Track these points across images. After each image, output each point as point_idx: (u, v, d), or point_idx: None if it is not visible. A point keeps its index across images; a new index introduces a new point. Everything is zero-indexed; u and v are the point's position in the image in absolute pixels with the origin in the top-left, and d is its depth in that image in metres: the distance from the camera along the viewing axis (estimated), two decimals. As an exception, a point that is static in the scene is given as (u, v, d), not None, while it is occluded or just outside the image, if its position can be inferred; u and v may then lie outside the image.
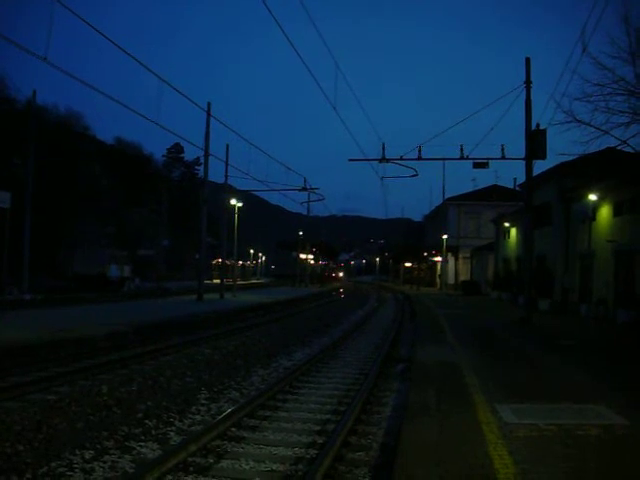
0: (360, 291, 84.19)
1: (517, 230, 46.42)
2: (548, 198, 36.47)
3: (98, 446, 8.86)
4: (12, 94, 63.18)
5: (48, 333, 18.30)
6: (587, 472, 6.77)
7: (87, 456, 8.44)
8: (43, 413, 10.23)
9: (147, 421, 10.34)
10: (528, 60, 26.50)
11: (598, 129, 20.97)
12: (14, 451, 8.34)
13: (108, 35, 19.82)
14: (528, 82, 26.28)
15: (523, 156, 26.72)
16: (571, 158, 26.12)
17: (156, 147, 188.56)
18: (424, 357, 15.63)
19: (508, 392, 10.94)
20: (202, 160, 45.98)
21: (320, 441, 9.47)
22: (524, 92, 26.40)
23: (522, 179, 30.94)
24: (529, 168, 26.75)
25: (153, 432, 9.81)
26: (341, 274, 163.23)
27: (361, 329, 27.75)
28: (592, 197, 29.50)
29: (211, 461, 8.43)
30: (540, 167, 32.16)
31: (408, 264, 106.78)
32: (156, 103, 24.90)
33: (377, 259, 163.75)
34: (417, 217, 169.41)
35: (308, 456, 8.75)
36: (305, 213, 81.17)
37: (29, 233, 42.40)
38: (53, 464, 8.04)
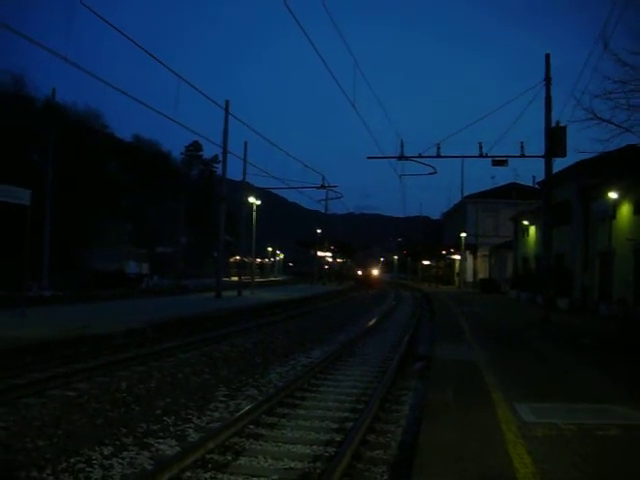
0: (380, 288, 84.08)
1: (536, 228, 46.15)
2: (568, 196, 36.22)
3: (117, 442, 8.90)
4: (31, 92, 63.74)
5: (67, 330, 18.41)
6: (607, 472, 6.73)
7: (106, 452, 8.49)
8: (62, 409, 10.29)
9: (165, 418, 10.38)
10: (548, 57, 26.33)
11: (619, 127, 20.67)
12: (34, 446, 8.40)
13: (127, 33, 19.95)
14: (548, 79, 26.10)
15: (543, 154, 26.55)
16: (591, 156, 25.88)
17: (175, 145, 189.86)
18: (442, 355, 15.59)
19: (527, 391, 10.88)
20: (220, 158, 46.17)
21: (338, 439, 9.46)
22: (544, 89, 26.24)
23: (541, 177, 30.74)
24: (548, 166, 26.56)
25: (171, 429, 9.84)
26: (375, 271, 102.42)
27: (379, 327, 27.71)
28: (612, 195, 29.27)
29: (229, 458, 8.43)
30: (560, 165, 32.01)
31: (426, 262, 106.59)
32: (175, 101, 25.05)
33: (395, 257, 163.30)
34: (435, 215, 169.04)
35: (326, 454, 8.74)
36: (323, 211, 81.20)
37: (49, 230, 42.67)
38: (72, 460, 8.08)
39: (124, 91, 23.53)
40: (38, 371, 14.18)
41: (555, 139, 25.68)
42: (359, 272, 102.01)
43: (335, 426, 10.33)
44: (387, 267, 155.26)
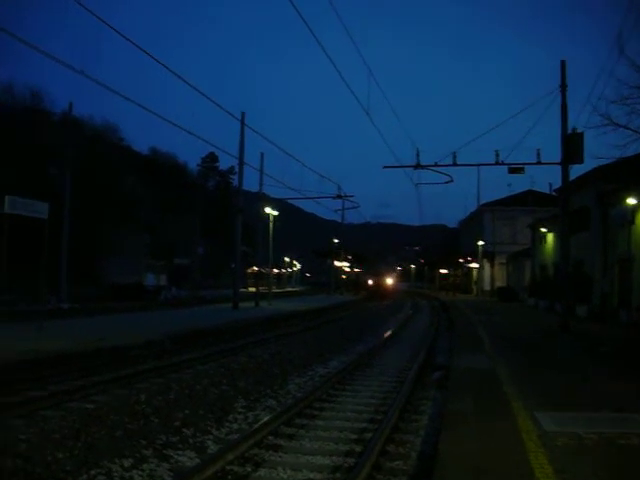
0: (395, 298, 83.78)
1: (554, 235, 45.86)
2: (585, 202, 36.01)
3: (137, 454, 8.92)
4: (49, 106, 64.38)
5: (85, 342, 18.47)
6: (630, 482, 6.67)
7: (126, 464, 8.50)
8: (82, 421, 10.30)
9: (185, 429, 10.38)
10: (563, 63, 26.25)
11: (635, 132, 20.57)
12: (54, 459, 8.40)
13: (142, 46, 20.10)
14: (563, 86, 26.01)
15: (559, 160, 26.43)
16: (608, 162, 25.74)
17: (191, 157, 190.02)
18: (461, 365, 15.50)
19: (547, 400, 10.80)
20: (237, 169, 46.33)
21: (358, 450, 9.43)
22: (559, 96, 26.15)
23: (558, 183, 30.62)
24: (565, 173, 26.43)
25: (191, 440, 9.84)
26: (389, 280, 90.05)
27: (397, 337, 27.64)
28: (631, 201, 29.05)
29: (249, 470, 8.43)
30: (577, 171, 31.72)
31: (444, 270, 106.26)
32: (191, 113, 25.19)
33: (412, 266, 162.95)
34: (452, 223, 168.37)
35: (346, 465, 8.72)
36: (340, 220, 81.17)
37: (67, 243, 42.88)
38: (92, 472, 8.11)
39: (141, 104, 23.69)
40: (56, 383, 14.23)
41: (572, 145, 25.57)
42: (370, 281, 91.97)
43: (354, 437, 10.30)
44: (404, 276, 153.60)
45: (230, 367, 16.90)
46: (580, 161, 26.02)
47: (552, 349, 19.87)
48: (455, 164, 28.83)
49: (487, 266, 78.80)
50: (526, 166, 28.47)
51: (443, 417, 10.09)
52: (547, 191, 71.75)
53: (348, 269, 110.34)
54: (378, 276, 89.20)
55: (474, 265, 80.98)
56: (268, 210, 49.31)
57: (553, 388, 12.22)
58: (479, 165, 30.87)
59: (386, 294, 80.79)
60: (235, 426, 10.98)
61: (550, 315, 35.52)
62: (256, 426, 10.17)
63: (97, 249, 58.53)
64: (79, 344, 18.10)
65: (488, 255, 76.22)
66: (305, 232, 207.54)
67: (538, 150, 27.56)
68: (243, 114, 39.48)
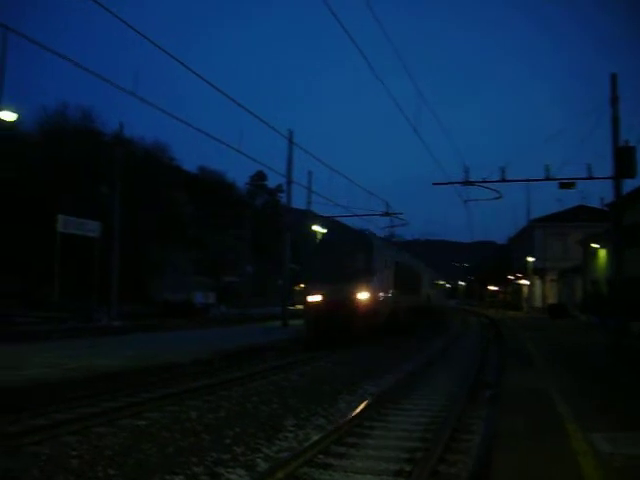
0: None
1: (606, 251, 45.15)
2: (638, 217, 35.38)
3: (187, 471, 8.95)
4: (100, 127, 65.74)
5: (136, 359, 18.68)
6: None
7: (177, 481, 8.54)
8: (133, 438, 10.39)
9: (235, 447, 10.39)
10: (614, 77, 25.90)
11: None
12: (105, 475, 8.50)
13: (190, 66, 20.40)
14: (614, 99, 25.66)
15: (611, 175, 26.02)
16: (662, 175, 25.29)
17: (239, 175, 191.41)
18: (512, 383, 15.28)
19: (602, 420, 10.57)
20: (285, 187, 46.56)
21: (408, 469, 9.32)
22: (610, 109, 25.78)
23: (610, 198, 30.13)
24: (617, 188, 26.00)
25: (241, 458, 9.84)
26: (365, 294, 28.64)
27: (446, 355, 27.36)
28: (685, 215, 28.49)
29: (299, 488, 8.41)
30: (629, 185, 31.22)
31: (493, 287, 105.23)
32: (239, 132, 25.42)
33: (461, 283, 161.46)
34: (501, 239, 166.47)
35: (396, 484, 8.63)
36: (389, 238, 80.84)
37: (117, 261, 43.53)
38: (144, 489, 8.17)
39: (191, 124, 24.01)
40: (109, 400, 14.41)
41: (624, 160, 25.15)
42: (311, 298, 29.31)
43: (405, 456, 10.18)
44: (452, 292, 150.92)
45: (280, 385, 16.92)
46: (632, 175, 25.58)
47: (605, 367, 19.49)
48: (504, 180, 28.59)
49: (538, 282, 77.82)
50: (577, 181, 28.08)
51: (495, 437, 9.93)
52: (599, 206, 70.72)
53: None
54: (336, 281, 29.12)
55: (524, 282, 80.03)
56: (316, 227, 49.37)
57: (607, 408, 11.95)
58: (528, 181, 30.50)
59: (356, 330, 29.35)
60: (285, 444, 10.95)
61: (603, 332, 34.87)
62: (306, 444, 10.15)
63: (147, 267, 59.28)
64: (130, 361, 18.31)
65: (539, 271, 75.28)
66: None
67: (589, 165, 27.20)
68: (291, 132, 39.77)
